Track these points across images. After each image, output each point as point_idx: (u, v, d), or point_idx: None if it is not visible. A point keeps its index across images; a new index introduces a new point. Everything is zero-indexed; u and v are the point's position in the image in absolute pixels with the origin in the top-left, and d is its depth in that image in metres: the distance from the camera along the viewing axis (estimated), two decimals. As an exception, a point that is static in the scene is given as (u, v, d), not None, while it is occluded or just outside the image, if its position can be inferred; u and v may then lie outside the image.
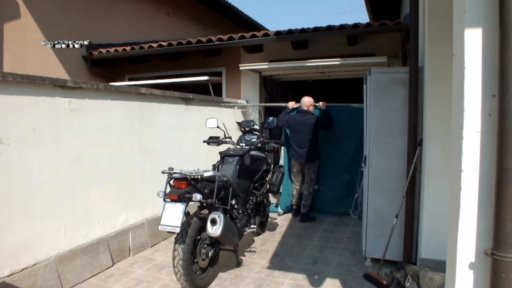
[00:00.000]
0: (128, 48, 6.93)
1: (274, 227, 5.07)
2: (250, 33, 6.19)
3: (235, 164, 3.84)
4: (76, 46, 6.45)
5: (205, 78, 6.51)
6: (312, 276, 3.49)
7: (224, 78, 7.14)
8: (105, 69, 7.61)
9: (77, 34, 6.73)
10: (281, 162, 5.82)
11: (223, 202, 3.45)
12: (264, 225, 4.81)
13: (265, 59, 6.54)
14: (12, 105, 2.88)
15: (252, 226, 4.02)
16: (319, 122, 5.26)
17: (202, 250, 3.25)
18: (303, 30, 5.86)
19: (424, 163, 3.28)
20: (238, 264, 3.73)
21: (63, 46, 6.29)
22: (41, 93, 3.10)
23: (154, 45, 6.74)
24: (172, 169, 3.16)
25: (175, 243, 3.08)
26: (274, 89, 7.75)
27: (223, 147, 4.28)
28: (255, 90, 6.89)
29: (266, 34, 6.10)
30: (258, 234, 4.68)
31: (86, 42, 6.59)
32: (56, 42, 6.25)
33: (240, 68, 6.27)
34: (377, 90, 3.57)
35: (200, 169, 3.25)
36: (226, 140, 4.17)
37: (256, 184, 4.25)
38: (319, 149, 5.40)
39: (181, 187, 3.10)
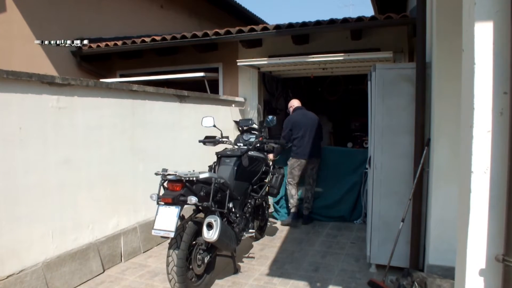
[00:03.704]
0: (119, 43, 6.92)
1: (273, 231, 5.07)
2: (249, 27, 6.19)
3: (233, 165, 3.84)
4: (76, 42, 6.46)
5: (201, 74, 6.50)
6: (314, 284, 3.49)
7: (221, 74, 7.14)
8: (96, 65, 7.60)
9: (66, 28, 6.72)
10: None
11: (220, 205, 3.45)
12: (263, 230, 4.81)
13: (264, 54, 6.54)
14: (-3, 103, 2.86)
15: (250, 230, 4.02)
16: (318, 122, 5.54)
17: (198, 256, 3.24)
18: (304, 24, 5.86)
19: (432, 164, 3.29)
20: (236, 270, 3.73)
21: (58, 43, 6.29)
22: (28, 90, 3.09)
23: (147, 39, 6.73)
24: (166, 170, 3.15)
25: (169, 248, 3.08)
26: (273, 86, 7.75)
27: (220, 147, 4.28)
28: (254, 87, 6.89)
29: (265, 28, 6.10)
30: (257, 239, 4.68)
31: (85, 41, 6.58)
32: (55, 43, 6.24)
33: (238, 64, 6.25)
34: (383, 87, 3.57)
35: (195, 170, 3.24)
36: (223, 140, 4.17)
37: (255, 186, 4.25)
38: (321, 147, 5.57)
39: (176, 189, 3.10)
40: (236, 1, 10.02)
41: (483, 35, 1.39)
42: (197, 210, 3.43)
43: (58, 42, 6.28)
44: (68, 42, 6.42)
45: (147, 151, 4.47)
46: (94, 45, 7.02)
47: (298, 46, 6.28)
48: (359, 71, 6.62)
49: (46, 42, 6.23)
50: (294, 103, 5.71)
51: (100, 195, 3.84)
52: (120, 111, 4.10)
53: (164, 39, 6.61)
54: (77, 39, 6.75)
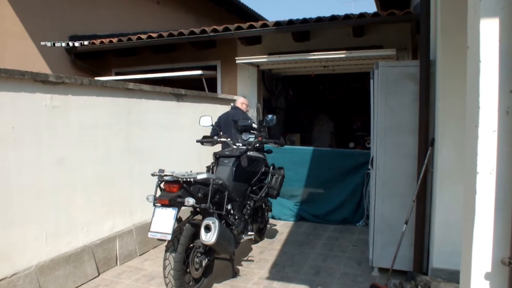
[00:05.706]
0: (115, 40, 6.91)
1: (273, 234, 5.07)
2: (248, 24, 6.19)
3: (231, 165, 3.84)
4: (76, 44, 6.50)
5: (199, 72, 6.50)
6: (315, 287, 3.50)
7: (219, 72, 7.15)
8: (90, 62, 7.60)
9: (60, 25, 6.71)
10: None
11: (218, 207, 3.45)
12: (262, 232, 4.81)
13: (263, 51, 6.55)
14: (-11, 102, 2.86)
15: (249, 233, 4.01)
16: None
17: (196, 259, 3.24)
18: (305, 20, 5.86)
19: (436, 164, 3.29)
20: (235, 274, 3.73)
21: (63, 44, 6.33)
22: (21, 89, 3.08)
23: (143, 36, 6.73)
24: (163, 171, 3.15)
25: (166, 251, 3.08)
26: (273, 85, 7.76)
27: (218, 147, 4.27)
28: (253, 86, 6.90)
29: (264, 25, 6.10)
30: (256, 241, 4.68)
31: (86, 42, 6.59)
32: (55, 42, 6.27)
33: (237, 61, 6.26)
34: (385, 86, 3.57)
35: (193, 171, 3.24)
36: (221, 139, 4.17)
37: (254, 188, 4.24)
38: None
39: (173, 190, 3.10)
40: (235, -3, 10.03)
41: (489, 32, 1.39)
42: (194, 212, 3.42)
43: (56, 44, 6.32)
44: (63, 44, 6.48)
45: (143, 151, 4.47)
46: (88, 43, 7.02)
47: (298, 43, 6.29)
48: (361, 69, 6.64)
49: (48, 44, 6.27)
50: (239, 100, 5.67)
51: (95, 197, 3.84)
52: (115, 110, 4.09)
53: (160, 36, 6.61)
54: (73, 41, 6.78)
